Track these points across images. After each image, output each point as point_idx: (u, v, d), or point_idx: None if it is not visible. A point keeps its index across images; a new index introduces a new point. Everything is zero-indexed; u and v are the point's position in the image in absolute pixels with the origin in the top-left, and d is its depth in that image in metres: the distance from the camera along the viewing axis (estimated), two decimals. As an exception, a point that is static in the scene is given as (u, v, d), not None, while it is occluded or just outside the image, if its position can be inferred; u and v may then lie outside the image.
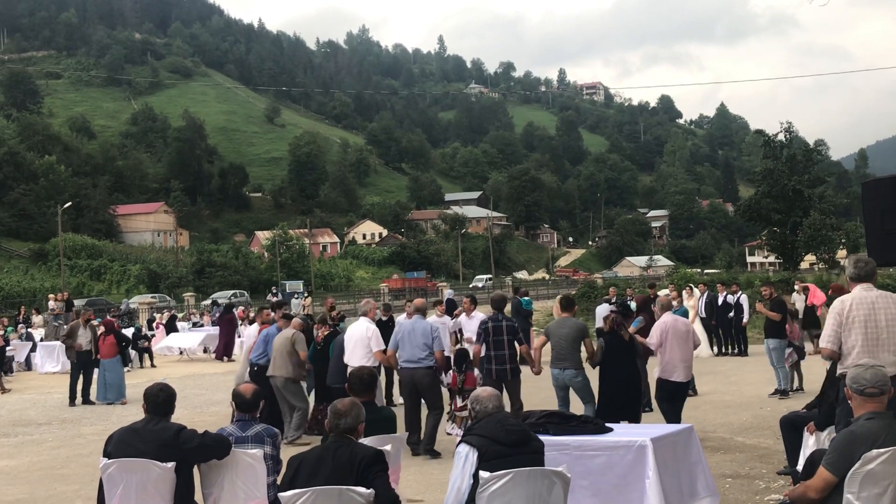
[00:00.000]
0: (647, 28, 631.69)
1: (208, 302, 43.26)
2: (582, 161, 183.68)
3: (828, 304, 17.49)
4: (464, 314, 14.03)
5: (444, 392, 10.73)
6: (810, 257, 57.58)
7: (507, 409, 7.71)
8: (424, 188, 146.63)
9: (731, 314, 20.61)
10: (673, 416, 9.88)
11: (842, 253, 58.48)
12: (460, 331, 13.90)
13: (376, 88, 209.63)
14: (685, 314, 13.75)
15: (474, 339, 11.57)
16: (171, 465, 5.70)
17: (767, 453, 9.66)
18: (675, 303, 14.74)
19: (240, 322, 27.29)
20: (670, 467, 6.60)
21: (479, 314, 13.09)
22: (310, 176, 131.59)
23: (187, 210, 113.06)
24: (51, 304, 34.29)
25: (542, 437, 5.78)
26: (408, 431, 10.18)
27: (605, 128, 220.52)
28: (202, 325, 31.67)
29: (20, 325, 30.94)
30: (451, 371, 10.60)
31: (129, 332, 24.36)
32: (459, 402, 10.35)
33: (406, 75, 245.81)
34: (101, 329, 18.07)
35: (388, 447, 5.77)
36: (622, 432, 6.93)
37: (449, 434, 10.37)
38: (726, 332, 21.04)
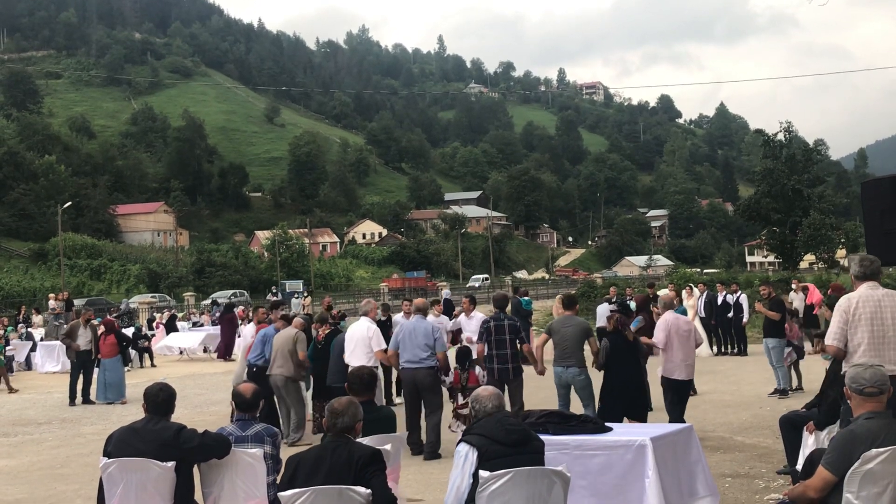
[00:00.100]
0: (646, 28, 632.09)
1: (208, 302, 43.31)
2: (581, 161, 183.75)
3: (827, 303, 17.49)
4: (463, 314, 14.03)
5: (444, 392, 10.72)
6: (810, 257, 57.56)
7: (508, 408, 7.74)
8: (424, 188, 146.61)
9: (731, 314, 20.62)
10: (676, 414, 9.88)
11: (841, 252, 58.54)
12: (459, 330, 13.88)
13: (376, 88, 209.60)
14: (684, 314, 13.76)
15: (474, 338, 11.56)
16: (170, 464, 5.71)
17: (767, 453, 9.66)
18: (675, 302, 14.73)
19: (240, 322, 27.27)
20: (670, 467, 6.60)
21: (479, 314, 13.08)
22: (309, 176, 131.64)
23: (187, 210, 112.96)
24: (51, 303, 34.28)
25: (542, 437, 5.76)
26: (408, 431, 10.16)
27: (605, 127, 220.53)
28: (202, 325, 31.68)
29: (20, 325, 30.93)
30: (453, 369, 10.57)
31: (129, 331, 24.38)
32: (461, 400, 10.33)
33: (406, 75, 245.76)
34: (102, 329, 18.09)
35: (387, 447, 5.78)
36: (621, 432, 6.93)
37: (453, 431, 10.31)
38: (726, 331, 21.04)
